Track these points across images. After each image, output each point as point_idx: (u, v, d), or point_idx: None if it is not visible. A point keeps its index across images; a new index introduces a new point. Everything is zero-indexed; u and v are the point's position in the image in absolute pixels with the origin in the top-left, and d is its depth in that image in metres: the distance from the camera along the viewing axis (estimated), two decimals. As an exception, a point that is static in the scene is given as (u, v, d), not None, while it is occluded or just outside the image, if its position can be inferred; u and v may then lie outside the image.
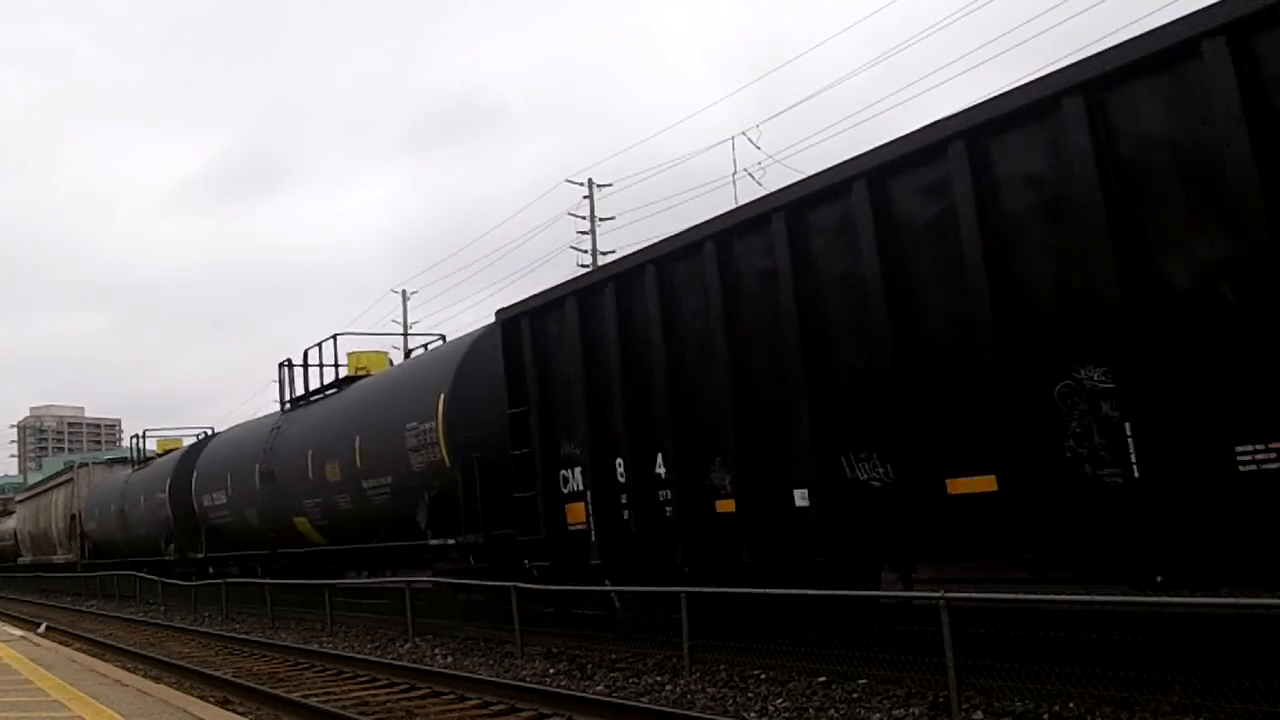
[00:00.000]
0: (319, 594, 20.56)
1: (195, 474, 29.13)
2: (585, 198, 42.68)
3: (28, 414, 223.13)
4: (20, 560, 54.01)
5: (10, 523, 60.37)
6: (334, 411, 21.94)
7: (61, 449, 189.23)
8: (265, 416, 28.48)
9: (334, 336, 24.60)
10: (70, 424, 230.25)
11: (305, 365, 24.77)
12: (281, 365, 25.50)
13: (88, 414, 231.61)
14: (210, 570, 28.72)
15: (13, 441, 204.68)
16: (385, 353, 25.37)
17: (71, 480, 44.73)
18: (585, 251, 42.45)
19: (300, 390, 24.88)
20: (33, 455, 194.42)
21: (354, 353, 24.14)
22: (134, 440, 40.57)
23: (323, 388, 23.96)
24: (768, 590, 10.81)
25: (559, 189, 59.87)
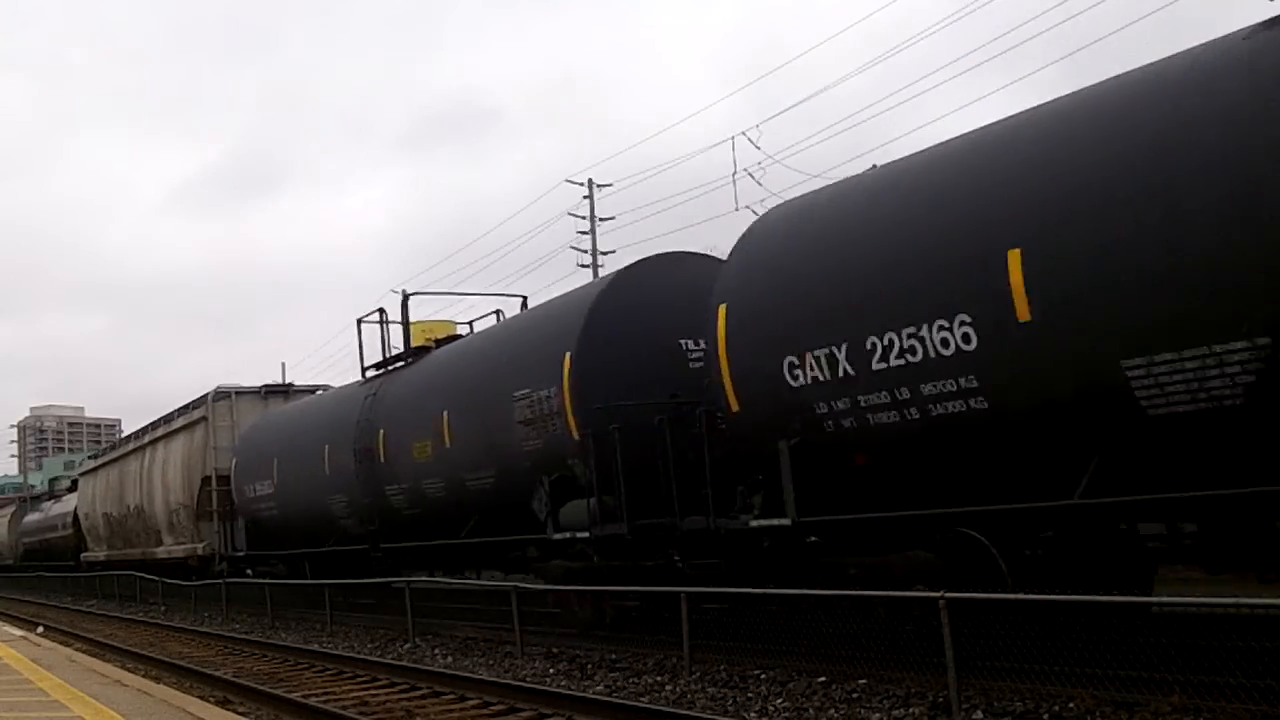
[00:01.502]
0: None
1: (727, 309, 11.28)
2: (585, 198, 42.62)
3: (28, 414, 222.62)
4: (85, 557, 37.06)
5: (63, 506, 42.23)
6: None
7: (61, 449, 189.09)
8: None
9: None
10: (70, 424, 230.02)
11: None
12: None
13: (88, 414, 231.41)
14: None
15: (13, 441, 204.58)
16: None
17: (204, 420, 26.91)
18: (585, 251, 42.44)
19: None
20: (33, 455, 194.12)
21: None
22: (360, 326, 21.59)
23: None
24: (768, 590, 10.81)
25: (559, 189, 59.72)
